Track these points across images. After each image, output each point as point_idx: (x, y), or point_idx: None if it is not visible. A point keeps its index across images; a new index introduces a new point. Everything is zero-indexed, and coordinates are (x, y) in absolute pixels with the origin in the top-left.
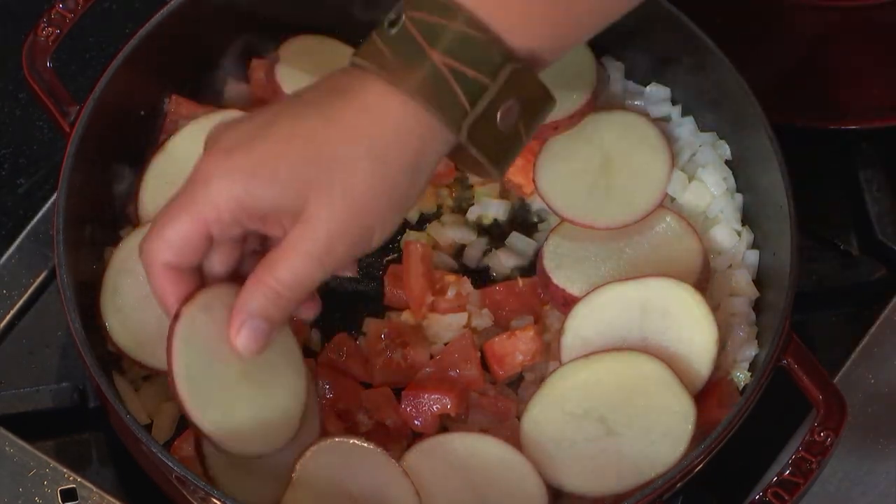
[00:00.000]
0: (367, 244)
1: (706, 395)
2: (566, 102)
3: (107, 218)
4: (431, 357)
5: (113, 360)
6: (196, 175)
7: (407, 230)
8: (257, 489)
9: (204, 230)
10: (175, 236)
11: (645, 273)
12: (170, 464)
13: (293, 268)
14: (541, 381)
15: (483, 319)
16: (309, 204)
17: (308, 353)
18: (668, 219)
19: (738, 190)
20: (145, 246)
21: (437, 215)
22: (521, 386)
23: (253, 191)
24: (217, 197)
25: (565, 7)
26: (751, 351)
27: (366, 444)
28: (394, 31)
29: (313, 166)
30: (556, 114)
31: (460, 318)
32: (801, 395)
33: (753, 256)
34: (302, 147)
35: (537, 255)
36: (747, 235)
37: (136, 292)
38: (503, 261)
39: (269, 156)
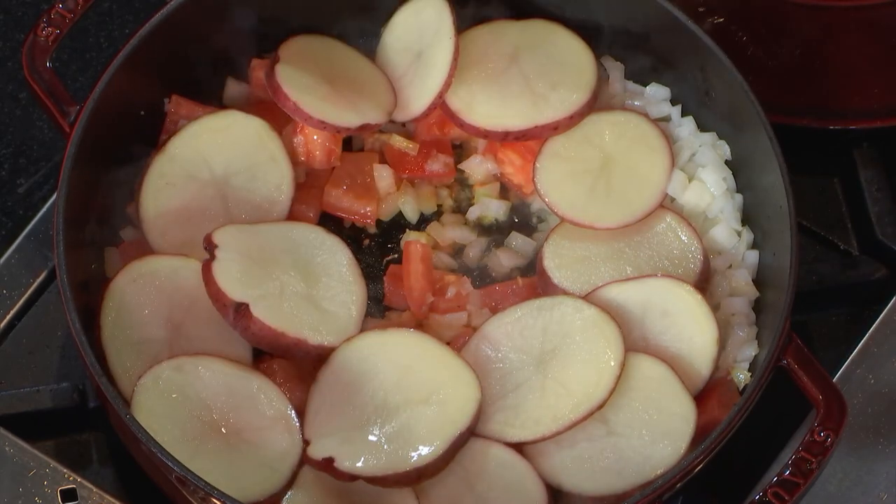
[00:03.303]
0: None
1: (706, 395)
2: (566, 102)
3: (107, 218)
4: None
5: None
6: None
7: (407, 230)
8: (252, 481)
9: None
10: None
11: (645, 273)
12: (170, 464)
13: None
14: None
15: (483, 319)
16: None
17: None
18: (668, 219)
19: (738, 190)
20: None
21: (437, 215)
22: None
23: None
24: None
25: None
26: (751, 351)
27: None
28: None
29: None
30: (556, 114)
31: (460, 318)
32: (801, 395)
33: (753, 256)
34: None
35: (537, 255)
36: (747, 235)
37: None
38: (503, 261)
39: None
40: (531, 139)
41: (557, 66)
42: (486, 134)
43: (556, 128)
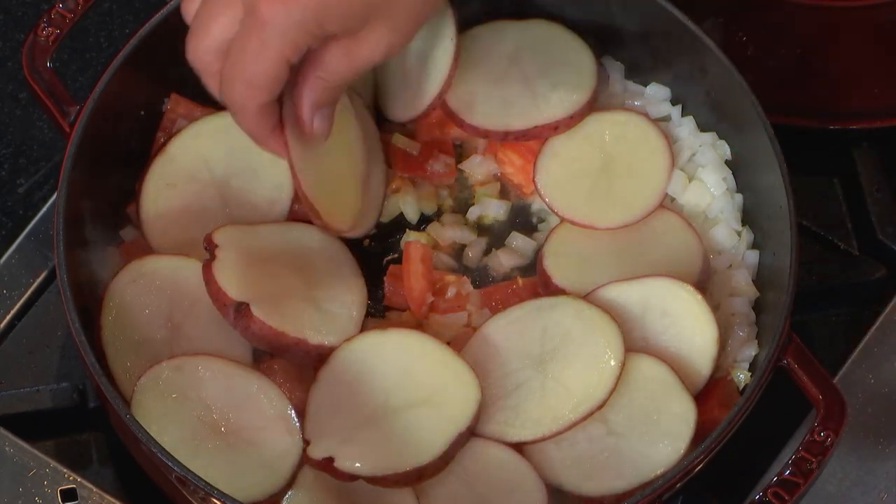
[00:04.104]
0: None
1: (706, 395)
2: (566, 102)
3: (107, 218)
4: None
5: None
6: (263, 14)
7: (407, 230)
8: (252, 481)
9: (287, 64)
10: (266, 76)
11: (645, 273)
12: (170, 464)
13: (344, 67)
14: None
15: (483, 319)
16: (370, 24)
17: None
18: (668, 219)
19: (738, 190)
20: (235, 93)
21: (437, 215)
22: None
23: (324, 23)
24: (292, 32)
25: None
26: (751, 351)
27: None
28: None
29: None
30: (556, 113)
31: (460, 318)
32: (801, 395)
33: (753, 256)
34: None
35: (537, 255)
36: (747, 235)
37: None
38: (503, 261)
39: None
40: (531, 139)
41: (557, 65)
42: (486, 134)
43: (557, 128)
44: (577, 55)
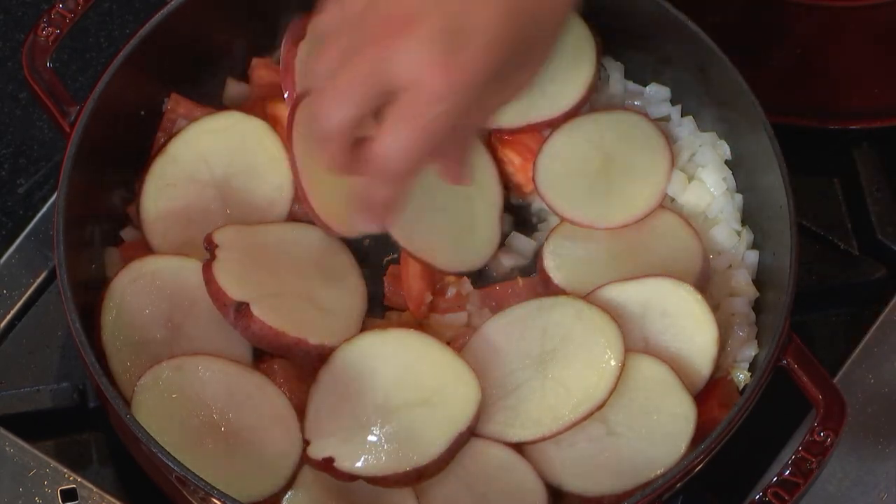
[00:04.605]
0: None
1: (706, 395)
2: (564, 96)
3: (107, 218)
4: None
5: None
6: (430, 89)
7: None
8: (252, 481)
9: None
10: (357, 112)
11: (645, 273)
12: (170, 464)
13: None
14: None
15: (483, 319)
16: (514, 74)
17: None
18: (668, 219)
19: (738, 190)
20: (330, 122)
21: None
22: None
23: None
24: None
25: None
26: (751, 351)
27: None
28: None
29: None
30: (552, 112)
31: (460, 318)
32: (801, 395)
33: (753, 256)
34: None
35: (537, 255)
36: (747, 235)
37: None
38: (503, 261)
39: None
40: (526, 133)
41: (557, 64)
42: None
43: (555, 126)
44: (576, 55)
